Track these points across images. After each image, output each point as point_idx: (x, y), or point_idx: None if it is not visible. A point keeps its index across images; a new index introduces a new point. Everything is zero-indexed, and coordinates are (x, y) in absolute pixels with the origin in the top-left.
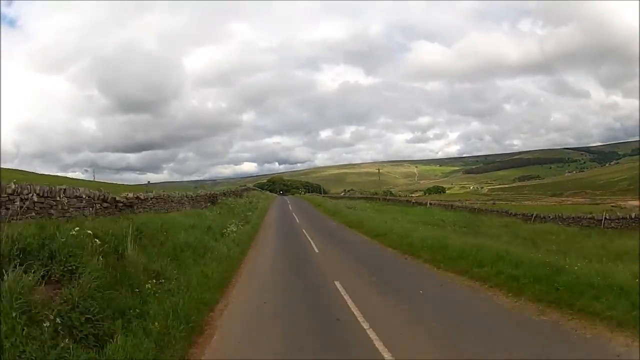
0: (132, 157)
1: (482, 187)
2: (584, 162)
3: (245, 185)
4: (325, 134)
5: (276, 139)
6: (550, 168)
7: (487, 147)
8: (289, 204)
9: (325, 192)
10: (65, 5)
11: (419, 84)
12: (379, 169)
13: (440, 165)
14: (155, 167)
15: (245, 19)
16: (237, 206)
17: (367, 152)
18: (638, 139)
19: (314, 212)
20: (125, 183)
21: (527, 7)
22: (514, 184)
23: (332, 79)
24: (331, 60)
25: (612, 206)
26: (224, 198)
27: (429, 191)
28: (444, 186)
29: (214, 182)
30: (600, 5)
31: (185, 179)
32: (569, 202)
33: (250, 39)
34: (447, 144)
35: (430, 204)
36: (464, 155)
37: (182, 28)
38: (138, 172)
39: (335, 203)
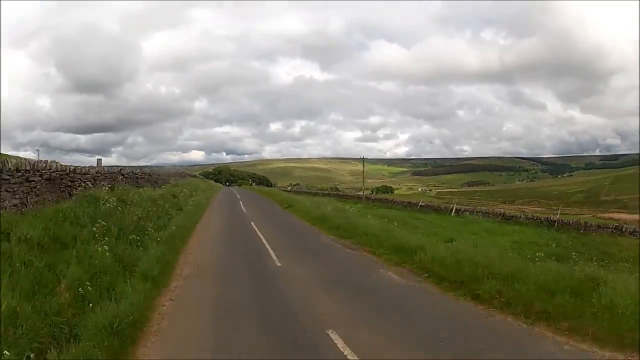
0: (83, 139)
1: (430, 190)
2: (536, 172)
3: (182, 172)
4: (275, 126)
5: (226, 128)
6: (501, 175)
7: (436, 151)
8: (241, 203)
9: (272, 185)
10: None
11: (374, 83)
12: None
13: (389, 166)
14: (104, 150)
15: (206, 6)
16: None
17: (315, 148)
18: (594, 154)
19: (298, 225)
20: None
21: (491, 16)
22: (463, 189)
23: (287, 72)
24: (288, 53)
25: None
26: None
27: (377, 190)
28: (392, 186)
29: (161, 168)
30: (566, 21)
31: (133, 163)
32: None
33: (210, 26)
34: (397, 144)
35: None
36: (413, 157)
37: (143, 10)
38: (88, 154)
39: (313, 203)
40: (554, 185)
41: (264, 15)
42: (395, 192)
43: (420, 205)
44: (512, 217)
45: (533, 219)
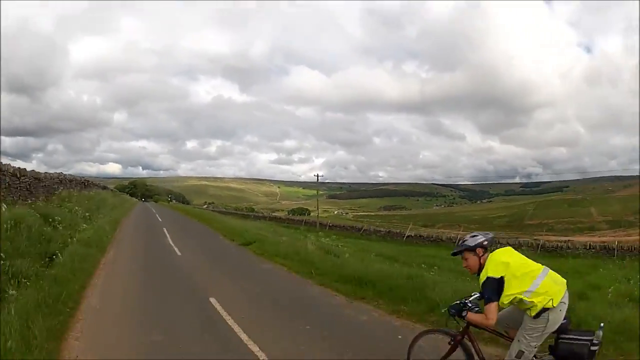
0: (7, 141)
1: (346, 212)
2: (454, 198)
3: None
4: (191, 144)
5: (143, 143)
6: (418, 200)
7: (351, 176)
8: (166, 230)
9: (187, 202)
10: None
11: (291, 107)
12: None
13: (304, 188)
14: (25, 155)
15: (136, 16)
16: None
17: (230, 168)
18: (514, 181)
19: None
20: None
21: (415, 49)
22: (380, 212)
23: (206, 91)
24: (209, 72)
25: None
26: None
27: (293, 212)
28: (308, 208)
29: (47, 173)
30: (493, 56)
31: (52, 171)
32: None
33: (136, 37)
34: (311, 168)
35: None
36: (328, 181)
37: (78, 11)
38: (9, 158)
39: (270, 234)
40: (473, 210)
41: (188, 32)
42: (312, 214)
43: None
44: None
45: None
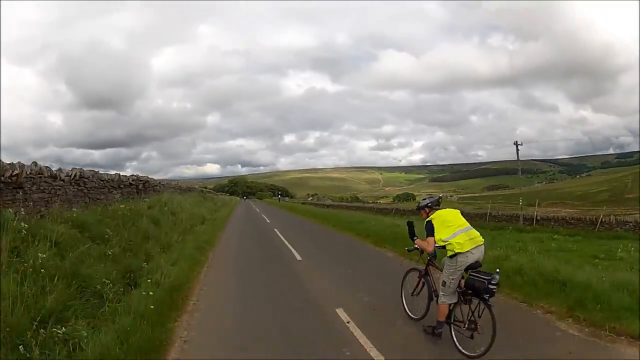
0: (97, 154)
1: (451, 196)
2: (553, 174)
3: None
4: (289, 138)
5: (240, 141)
6: (520, 178)
7: (451, 157)
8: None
9: (291, 196)
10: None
11: (385, 92)
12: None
13: (405, 173)
14: (118, 165)
15: (212, 22)
16: None
17: (330, 158)
18: (608, 152)
19: None
20: None
21: (497, 23)
22: (484, 193)
23: (297, 84)
24: (297, 66)
25: None
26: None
27: (398, 198)
28: (413, 193)
29: (177, 182)
30: (572, 22)
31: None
32: (563, 213)
33: (217, 41)
34: (411, 152)
35: None
36: (429, 164)
37: (149, 28)
38: (102, 169)
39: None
40: (574, 185)
41: (267, 31)
42: (418, 199)
43: None
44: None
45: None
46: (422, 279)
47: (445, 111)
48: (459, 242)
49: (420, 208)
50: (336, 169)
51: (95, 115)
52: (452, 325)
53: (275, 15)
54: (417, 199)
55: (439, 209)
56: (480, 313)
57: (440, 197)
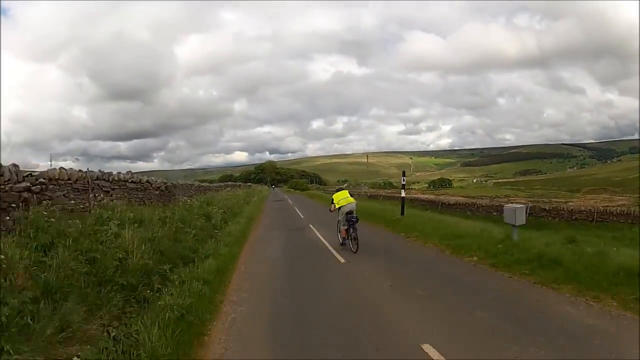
0: (123, 146)
1: (486, 181)
2: (584, 158)
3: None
4: (317, 124)
5: (267, 128)
6: (551, 163)
7: (479, 141)
8: None
9: (323, 183)
10: None
11: (413, 74)
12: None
13: (435, 157)
14: (145, 156)
15: (236, 8)
16: None
17: (358, 143)
18: (634, 137)
19: None
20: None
21: (524, 3)
22: (519, 179)
23: (324, 69)
24: (323, 50)
25: None
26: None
27: (434, 184)
28: (449, 178)
29: (205, 170)
30: (598, 2)
31: (177, 167)
32: (620, 203)
33: (242, 28)
34: (439, 136)
35: None
36: (457, 148)
37: (172, 17)
38: (129, 160)
39: None
40: (609, 171)
41: (293, 15)
42: (454, 184)
43: None
44: None
45: None
46: (347, 233)
47: (473, 93)
48: (341, 203)
49: (336, 191)
50: (365, 153)
51: (121, 107)
52: (347, 240)
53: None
54: (452, 184)
55: (338, 192)
56: (353, 233)
57: (343, 187)
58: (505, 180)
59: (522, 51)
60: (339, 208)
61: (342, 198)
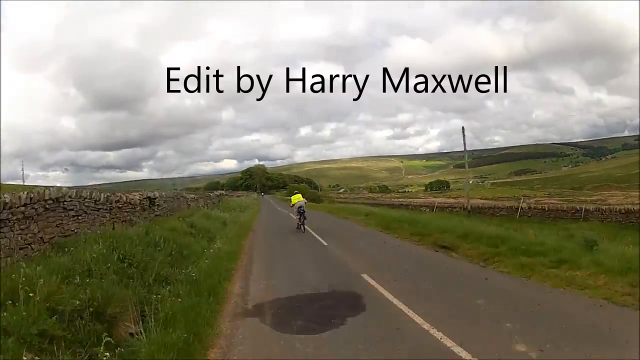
0: (112, 155)
1: (482, 182)
2: (577, 157)
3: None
4: (305, 130)
5: (255, 136)
6: (545, 162)
7: (468, 143)
8: None
9: (318, 188)
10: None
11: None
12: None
13: (426, 160)
14: (135, 165)
15: (222, 17)
16: None
17: (347, 149)
18: (624, 135)
19: None
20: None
21: (509, 5)
22: (516, 178)
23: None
24: (311, 57)
25: None
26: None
27: (431, 186)
28: (447, 180)
29: (193, 179)
30: (584, 2)
31: (165, 176)
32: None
33: (228, 36)
34: (428, 140)
35: None
36: (446, 151)
37: (159, 26)
38: (118, 170)
39: None
40: (608, 168)
41: (279, 22)
42: (452, 186)
43: None
44: None
45: None
46: (299, 222)
47: (461, 97)
48: (293, 202)
49: (291, 195)
50: (354, 158)
51: (109, 117)
52: (301, 226)
53: (286, 6)
54: (451, 186)
55: (294, 195)
56: (302, 221)
57: (297, 191)
58: (501, 180)
59: (509, 54)
60: (293, 205)
61: (296, 199)
